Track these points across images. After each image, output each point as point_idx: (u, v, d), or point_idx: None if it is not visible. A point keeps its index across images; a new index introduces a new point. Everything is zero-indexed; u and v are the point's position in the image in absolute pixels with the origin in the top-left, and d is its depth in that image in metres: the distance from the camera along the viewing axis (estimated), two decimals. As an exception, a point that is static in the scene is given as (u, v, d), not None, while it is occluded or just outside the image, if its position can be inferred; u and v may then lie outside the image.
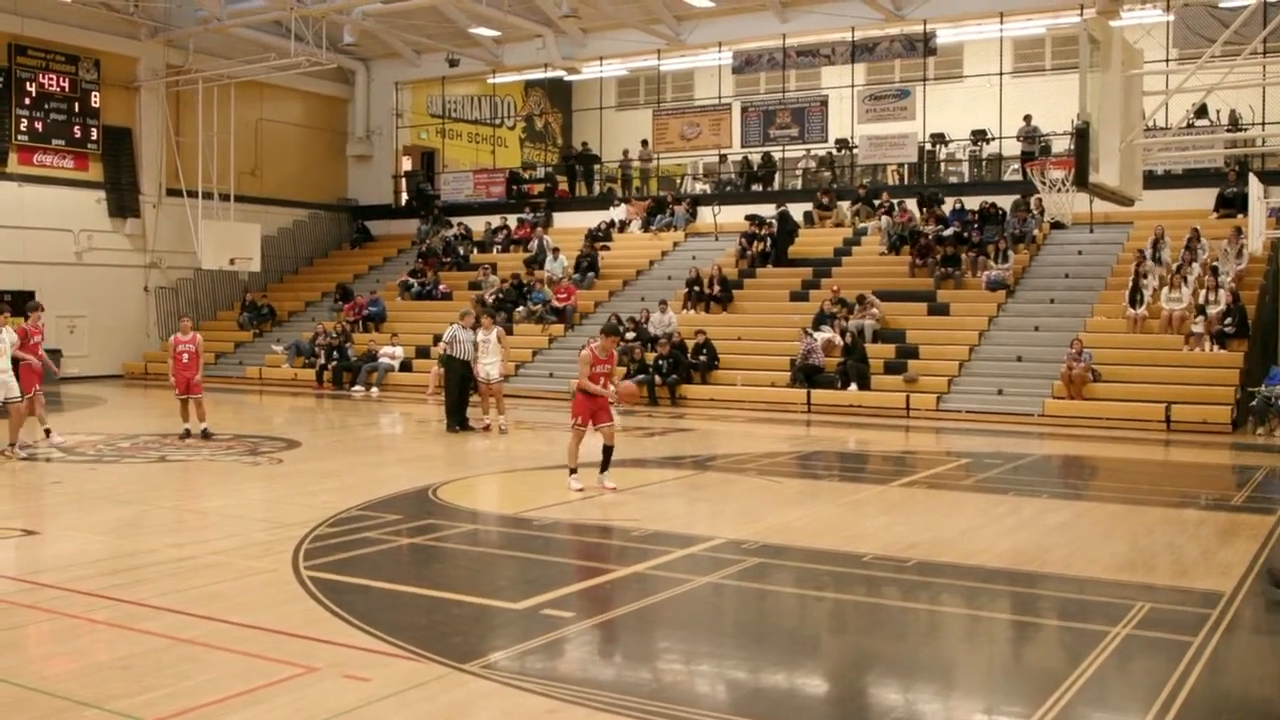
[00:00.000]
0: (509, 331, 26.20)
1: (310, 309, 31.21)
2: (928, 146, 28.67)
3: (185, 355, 16.02)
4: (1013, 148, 27.82)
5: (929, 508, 11.22)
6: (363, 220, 35.35)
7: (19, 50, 27.33)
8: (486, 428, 17.36)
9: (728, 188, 31.82)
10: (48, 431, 15.37)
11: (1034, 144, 26.75)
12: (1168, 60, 23.80)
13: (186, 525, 9.87)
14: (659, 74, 33.21)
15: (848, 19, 27.35)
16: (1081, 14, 25.31)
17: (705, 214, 29.67)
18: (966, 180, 29.01)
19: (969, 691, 6.00)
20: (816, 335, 22.37)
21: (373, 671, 5.86)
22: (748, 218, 28.11)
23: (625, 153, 33.06)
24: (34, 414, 15.04)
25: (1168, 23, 24.55)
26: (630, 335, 23.90)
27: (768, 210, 28.08)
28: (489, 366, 17.42)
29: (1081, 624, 7.14)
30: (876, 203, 27.48)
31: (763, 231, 27.11)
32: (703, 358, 22.84)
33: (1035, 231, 24.96)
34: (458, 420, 17.49)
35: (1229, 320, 19.87)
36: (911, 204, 26.56)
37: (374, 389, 25.13)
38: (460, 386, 17.67)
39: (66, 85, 28.24)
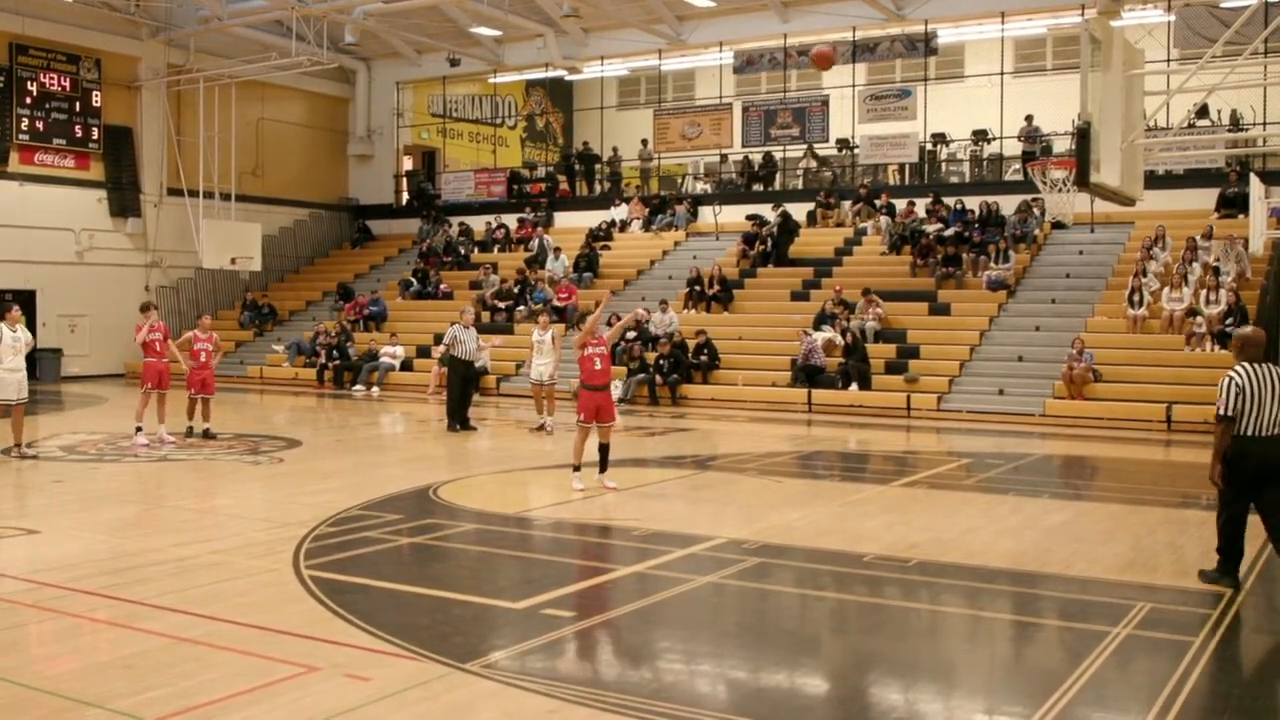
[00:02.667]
0: (509, 331, 26.27)
1: (311, 308, 31.23)
2: (928, 146, 28.67)
3: (203, 354, 16.19)
4: (1014, 148, 27.83)
5: (930, 508, 11.22)
6: (364, 220, 35.37)
7: (20, 50, 27.35)
8: (541, 428, 17.22)
9: (728, 187, 31.83)
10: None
11: (1035, 144, 26.75)
12: (1169, 60, 23.81)
13: (188, 525, 9.87)
14: (660, 74, 33.20)
15: (849, 19, 27.35)
16: (1083, 14, 25.28)
17: (706, 214, 29.68)
18: (967, 180, 29.01)
19: (970, 691, 6.00)
20: (816, 335, 22.37)
21: (373, 671, 5.86)
22: (748, 217, 28.12)
23: (615, 150, 33.07)
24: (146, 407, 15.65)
25: (1169, 23, 24.55)
26: (631, 335, 23.92)
27: (768, 210, 28.11)
28: (544, 366, 17.41)
29: (1082, 624, 7.14)
30: (877, 202, 27.49)
31: (763, 231, 27.13)
32: (704, 357, 22.85)
33: (1036, 231, 24.96)
34: (459, 420, 17.49)
35: (1230, 320, 19.87)
36: (921, 203, 26.53)
37: (375, 388, 25.14)
38: (462, 386, 17.69)
39: (67, 85, 28.25)
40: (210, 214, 30.05)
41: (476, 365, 18.64)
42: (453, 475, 13.06)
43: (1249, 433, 7.61)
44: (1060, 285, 23.28)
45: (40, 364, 25.39)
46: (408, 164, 36.39)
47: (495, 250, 31.32)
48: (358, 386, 25.47)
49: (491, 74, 33.84)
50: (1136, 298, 21.07)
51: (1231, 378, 7.69)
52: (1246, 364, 7.74)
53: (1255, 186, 19.61)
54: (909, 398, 20.79)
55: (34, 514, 10.50)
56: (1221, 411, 7.69)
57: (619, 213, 31.27)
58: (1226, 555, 7.89)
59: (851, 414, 20.67)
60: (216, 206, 30.38)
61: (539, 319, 18.30)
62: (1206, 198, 24.15)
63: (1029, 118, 27.01)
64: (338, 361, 26.35)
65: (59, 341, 27.64)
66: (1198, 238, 22.21)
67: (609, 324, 22.77)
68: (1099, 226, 24.69)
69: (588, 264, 28.51)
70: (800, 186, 30.79)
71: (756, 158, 30.77)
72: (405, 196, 35.67)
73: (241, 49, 29.93)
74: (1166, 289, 21.09)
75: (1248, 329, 8.31)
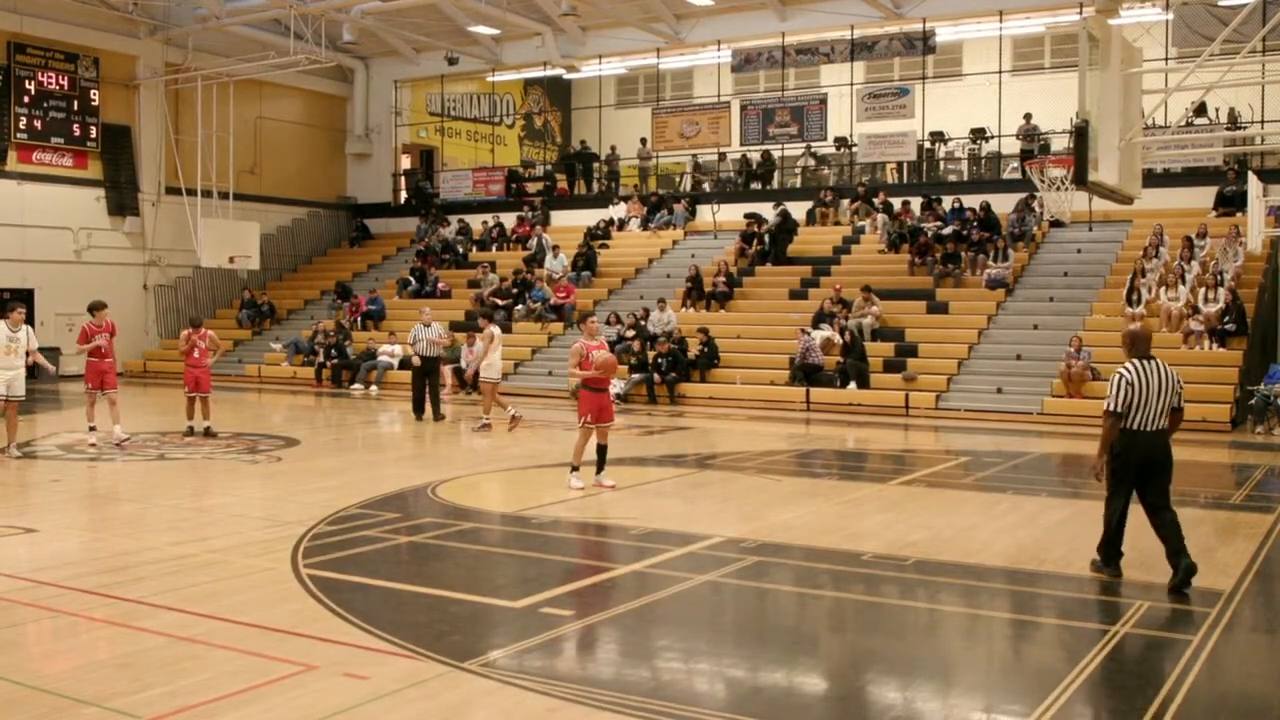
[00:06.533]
0: (507, 329, 26.33)
1: (309, 307, 31.20)
2: (927, 145, 28.67)
3: (196, 350, 16.26)
4: (1012, 146, 27.84)
5: (928, 506, 11.22)
6: (362, 218, 35.34)
7: (18, 48, 27.31)
8: (485, 426, 17.48)
9: (727, 186, 31.82)
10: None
11: (1033, 142, 26.76)
12: (1167, 59, 23.79)
13: (185, 523, 9.87)
14: (658, 72, 33.20)
15: (847, 17, 27.34)
16: (1081, 12, 25.31)
17: (705, 212, 29.66)
18: (966, 179, 29.01)
19: (968, 690, 6.00)
20: (814, 334, 22.37)
21: (372, 670, 5.86)
22: (746, 216, 28.12)
23: (613, 148, 33.06)
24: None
25: (1167, 21, 24.55)
26: (630, 333, 23.91)
27: (767, 209, 28.12)
28: (483, 365, 17.84)
29: (1080, 622, 7.15)
30: (875, 201, 27.49)
31: (760, 230, 27.13)
32: (703, 352, 22.80)
33: (1034, 230, 24.97)
34: (428, 411, 18.78)
35: (1228, 318, 19.87)
36: (915, 202, 26.53)
37: (373, 387, 25.13)
38: (421, 380, 19.05)
39: (66, 83, 28.22)
40: (208, 213, 30.03)
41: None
42: (451, 474, 13.06)
43: (1135, 426, 7.82)
44: (1058, 284, 23.28)
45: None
46: (406, 163, 36.36)
47: (493, 249, 31.31)
48: (356, 385, 25.46)
49: (490, 72, 33.82)
50: (1135, 296, 21.07)
51: (1122, 374, 7.88)
52: (1136, 360, 7.94)
53: (1253, 185, 19.61)
54: (907, 396, 20.78)
55: (32, 512, 10.49)
56: (1110, 407, 7.86)
57: (617, 211, 31.27)
58: (1111, 546, 8.05)
59: (850, 412, 20.67)
60: (215, 205, 30.36)
61: (479, 320, 18.88)
62: (1205, 196, 24.17)
63: (1027, 116, 27.01)
64: (336, 360, 26.34)
65: (57, 340, 27.53)
66: (1193, 236, 22.22)
67: (607, 321, 22.96)
68: (1097, 225, 24.68)
69: (586, 263, 28.51)
70: (799, 185, 30.79)
71: (755, 156, 30.76)
72: (403, 195, 35.65)
73: (239, 47, 29.91)
74: (1164, 287, 21.08)
75: (1136, 326, 8.35)
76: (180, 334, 17.38)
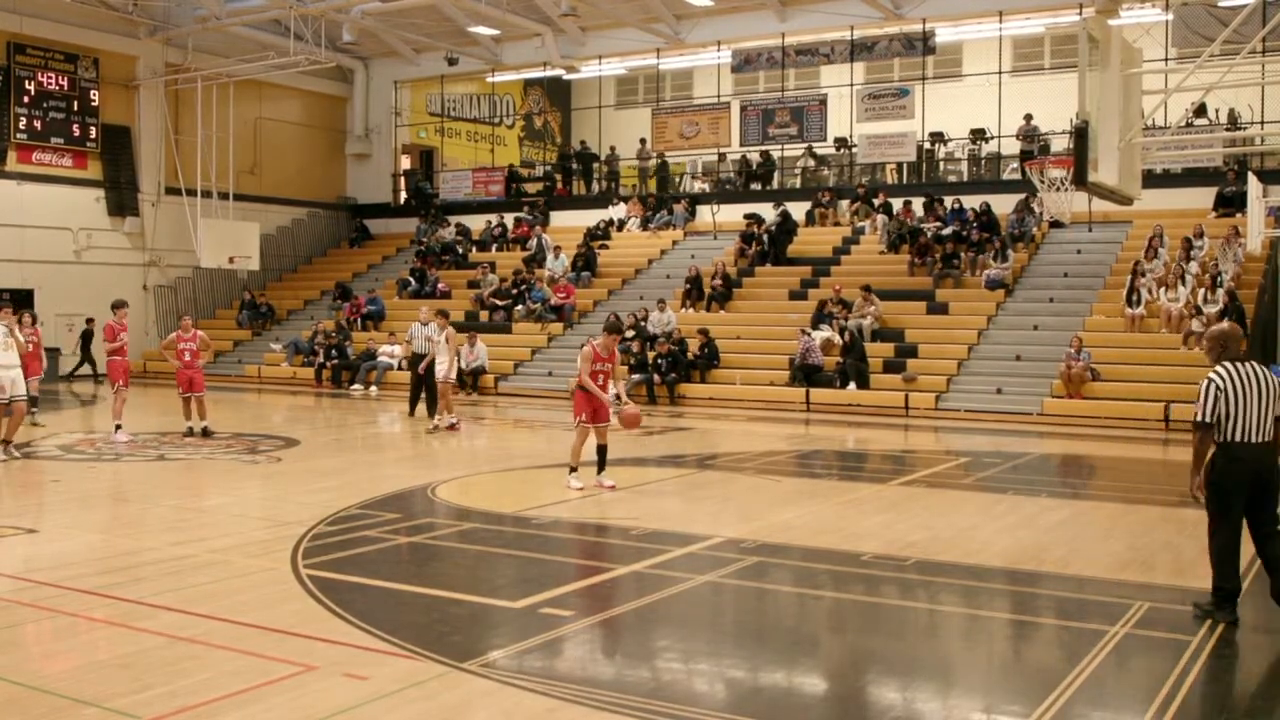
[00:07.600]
0: (508, 330, 26.32)
1: (309, 307, 31.21)
2: (927, 145, 28.67)
3: (186, 353, 16.22)
4: (1012, 147, 27.84)
5: (928, 507, 11.21)
6: (361, 219, 35.35)
7: (18, 49, 27.34)
8: (452, 426, 17.42)
9: (727, 186, 31.83)
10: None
11: (1033, 143, 26.75)
12: (1167, 59, 23.80)
13: (185, 523, 9.86)
14: (658, 73, 33.21)
15: (847, 18, 27.36)
16: (1081, 13, 25.31)
17: (704, 213, 29.67)
18: (965, 179, 29.02)
19: (968, 690, 6.00)
20: (814, 335, 22.37)
21: (372, 670, 5.86)
22: (746, 216, 28.13)
23: (613, 149, 33.06)
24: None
25: (1167, 22, 24.56)
26: (630, 334, 23.90)
27: (766, 209, 28.12)
28: (443, 365, 17.60)
29: (1080, 623, 7.14)
30: (875, 201, 27.50)
31: (760, 231, 27.13)
32: (703, 353, 22.80)
33: (1034, 230, 24.98)
34: (411, 409, 18.80)
35: (1225, 320, 19.87)
36: (918, 203, 26.53)
37: (373, 388, 25.13)
38: (418, 380, 18.78)
39: (65, 84, 28.23)
40: (208, 213, 30.04)
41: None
42: (451, 474, 13.06)
43: (1237, 439, 6.87)
44: (1058, 284, 23.29)
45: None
46: (405, 163, 36.37)
47: (493, 249, 31.31)
48: (356, 386, 25.46)
49: (489, 73, 33.83)
50: (1134, 297, 21.08)
51: (1212, 380, 6.97)
52: (1228, 364, 7.01)
53: (1253, 185, 19.63)
54: (907, 397, 20.79)
55: (32, 513, 10.50)
56: (1199, 417, 6.95)
57: (617, 212, 31.27)
58: (1222, 586, 7.06)
59: (849, 413, 20.66)
60: (214, 206, 30.37)
61: (436, 318, 18.35)
62: (1204, 196, 24.18)
63: (1027, 116, 27.02)
64: (336, 361, 26.34)
65: (57, 341, 27.61)
66: (1191, 237, 22.23)
67: (615, 322, 22.66)
68: (1097, 225, 24.69)
69: (586, 263, 28.51)
70: (798, 185, 30.79)
71: (755, 157, 30.76)
72: (403, 196, 35.66)
73: (239, 48, 29.91)
74: (1164, 288, 21.09)
75: (1225, 325, 7.51)
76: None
